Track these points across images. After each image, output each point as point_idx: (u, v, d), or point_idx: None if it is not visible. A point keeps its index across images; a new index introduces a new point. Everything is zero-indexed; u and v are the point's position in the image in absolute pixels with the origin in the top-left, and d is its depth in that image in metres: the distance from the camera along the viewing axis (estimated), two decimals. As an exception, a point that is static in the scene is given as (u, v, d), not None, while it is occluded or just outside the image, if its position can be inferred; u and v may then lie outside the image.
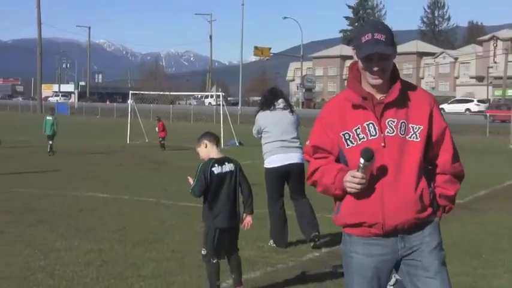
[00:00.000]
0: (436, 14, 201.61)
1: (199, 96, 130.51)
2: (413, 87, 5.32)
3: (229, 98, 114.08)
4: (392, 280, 9.91)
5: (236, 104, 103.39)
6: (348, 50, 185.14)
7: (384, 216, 5.05)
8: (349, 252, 5.42)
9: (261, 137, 12.93)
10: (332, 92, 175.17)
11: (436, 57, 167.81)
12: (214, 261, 9.18)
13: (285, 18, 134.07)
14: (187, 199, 18.36)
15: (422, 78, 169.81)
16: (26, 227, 14.41)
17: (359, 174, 4.80)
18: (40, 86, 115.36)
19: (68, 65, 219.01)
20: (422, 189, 5.12)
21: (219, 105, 50.46)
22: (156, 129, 39.39)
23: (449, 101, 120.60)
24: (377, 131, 5.04)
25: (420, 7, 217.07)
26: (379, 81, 5.05)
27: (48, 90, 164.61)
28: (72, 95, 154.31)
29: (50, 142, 33.29)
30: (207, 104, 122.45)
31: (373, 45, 4.93)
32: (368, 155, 4.75)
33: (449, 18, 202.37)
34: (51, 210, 16.77)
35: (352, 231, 5.26)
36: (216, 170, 9.10)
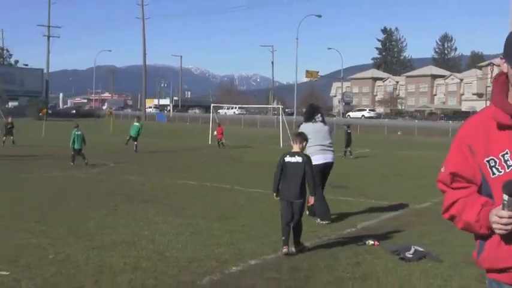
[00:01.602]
0: (445, 46, 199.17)
1: (226, 107, 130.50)
2: None
3: (286, 110, 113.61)
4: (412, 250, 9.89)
5: (292, 114, 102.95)
6: (378, 73, 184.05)
7: None
8: None
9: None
10: (366, 105, 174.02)
11: (445, 79, 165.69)
12: (284, 224, 9.99)
13: (329, 48, 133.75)
14: (255, 186, 18.49)
15: (435, 95, 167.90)
16: (134, 205, 14.60)
17: (505, 213, 3.07)
18: (144, 100, 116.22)
19: (165, 85, 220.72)
20: None
21: (242, 114, 50.92)
22: (215, 132, 39.72)
23: (352, 110, 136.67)
24: None
25: (433, 40, 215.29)
26: None
27: (150, 103, 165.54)
28: (168, 107, 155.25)
29: (135, 143, 33.03)
30: (231, 113, 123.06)
31: None
32: None
33: (456, 49, 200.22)
34: (153, 193, 16.96)
35: (499, 277, 3.43)
36: (287, 159, 10.20)
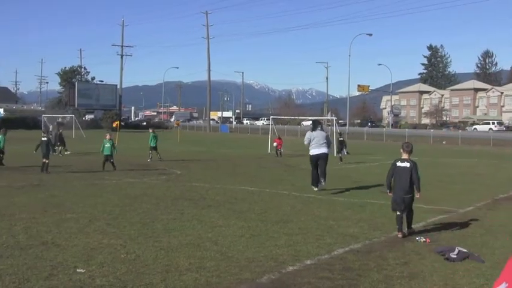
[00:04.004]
0: (487, 61, 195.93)
1: (264, 119, 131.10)
2: None
3: (339, 121, 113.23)
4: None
5: (345, 125, 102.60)
6: (425, 87, 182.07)
7: None
8: None
9: (308, 143, 19.04)
10: (412, 117, 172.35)
11: (487, 92, 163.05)
12: (397, 213, 11.74)
13: (379, 64, 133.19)
14: (310, 192, 18.40)
15: (478, 107, 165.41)
16: (199, 209, 14.60)
17: None
18: (209, 113, 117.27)
19: (228, 98, 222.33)
20: None
21: (274, 124, 51.38)
22: (275, 144, 39.55)
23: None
24: None
25: (475, 56, 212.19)
26: None
27: (214, 116, 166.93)
28: (231, 119, 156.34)
29: (150, 152, 31.92)
30: (260, 123, 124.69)
31: None
32: None
33: (496, 64, 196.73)
34: (216, 198, 16.94)
35: None
36: (399, 164, 11.93)
